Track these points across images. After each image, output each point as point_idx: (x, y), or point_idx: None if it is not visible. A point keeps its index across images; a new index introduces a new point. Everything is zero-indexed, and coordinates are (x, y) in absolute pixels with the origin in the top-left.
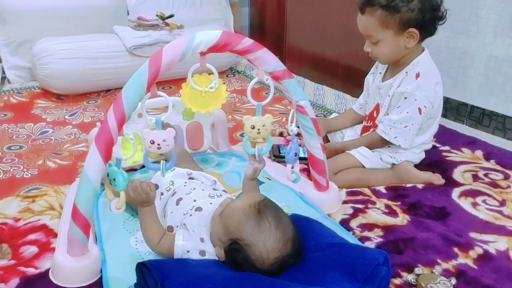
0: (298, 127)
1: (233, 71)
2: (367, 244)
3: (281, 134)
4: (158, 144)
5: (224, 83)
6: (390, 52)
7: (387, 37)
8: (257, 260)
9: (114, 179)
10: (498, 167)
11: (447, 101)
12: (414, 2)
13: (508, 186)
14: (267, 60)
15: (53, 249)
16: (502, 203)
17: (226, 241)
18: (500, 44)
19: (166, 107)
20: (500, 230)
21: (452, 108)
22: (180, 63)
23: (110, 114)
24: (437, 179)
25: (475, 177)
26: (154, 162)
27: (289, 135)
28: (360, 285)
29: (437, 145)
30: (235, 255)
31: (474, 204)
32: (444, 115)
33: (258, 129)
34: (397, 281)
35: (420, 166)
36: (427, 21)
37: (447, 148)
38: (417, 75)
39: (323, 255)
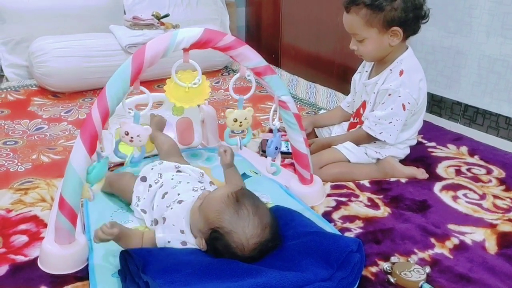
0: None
1: (228, 70)
2: (347, 234)
3: (271, 130)
4: (131, 137)
5: (208, 80)
6: (374, 49)
7: (371, 35)
8: (238, 247)
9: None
10: (481, 163)
11: (441, 100)
12: (398, 1)
13: (490, 181)
14: (249, 56)
15: (43, 238)
16: (482, 196)
17: (207, 231)
18: (492, 43)
19: (156, 103)
20: (478, 222)
21: (446, 107)
22: (168, 61)
23: (94, 108)
24: (421, 173)
25: (458, 172)
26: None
27: (278, 131)
28: (334, 271)
29: (424, 141)
30: (216, 243)
31: (455, 198)
32: (438, 114)
33: (240, 122)
34: (374, 269)
35: (406, 161)
36: (410, 19)
37: (433, 144)
38: (401, 72)
39: (300, 243)
